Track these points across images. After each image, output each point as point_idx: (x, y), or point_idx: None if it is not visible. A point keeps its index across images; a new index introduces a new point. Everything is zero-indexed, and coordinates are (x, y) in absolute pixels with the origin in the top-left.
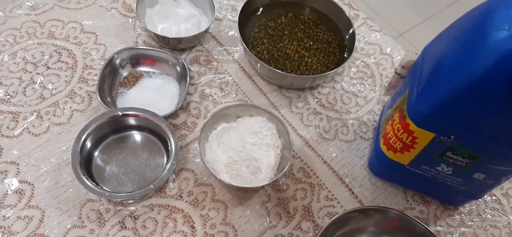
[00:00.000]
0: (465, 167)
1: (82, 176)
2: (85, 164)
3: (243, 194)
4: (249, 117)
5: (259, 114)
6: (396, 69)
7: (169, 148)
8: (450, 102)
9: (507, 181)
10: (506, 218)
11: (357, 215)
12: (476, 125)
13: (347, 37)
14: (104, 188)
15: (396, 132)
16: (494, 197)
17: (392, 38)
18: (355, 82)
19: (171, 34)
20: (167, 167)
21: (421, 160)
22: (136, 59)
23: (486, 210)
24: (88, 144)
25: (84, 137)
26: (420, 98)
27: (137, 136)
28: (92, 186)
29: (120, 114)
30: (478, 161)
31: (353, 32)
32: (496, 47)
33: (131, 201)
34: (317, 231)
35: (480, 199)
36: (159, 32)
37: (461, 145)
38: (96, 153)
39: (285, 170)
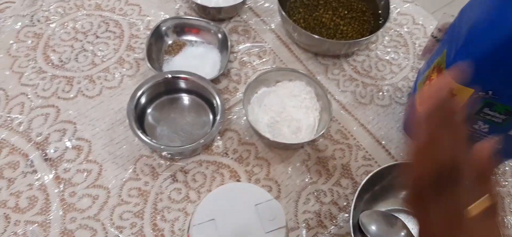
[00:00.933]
0: (502, 123)
1: (138, 131)
2: (139, 121)
3: (284, 153)
4: (288, 82)
5: (298, 79)
6: (432, 33)
7: (216, 108)
8: (488, 57)
9: None
10: None
11: (393, 171)
12: None
13: (381, 4)
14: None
15: None
16: None
17: (423, 9)
18: (389, 50)
19: (211, 5)
20: (216, 124)
21: None
22: (180, 28)
23: None
24: (141, 103)
25: (138, 96)
26: (459, 54)
27: (185, 97)
28: (147, 140)
29: (170, 76)
30: None
31: (387, 0)
32: None
33: (180, 158)
34: (356, 187)
35: None
36: (199, 2)
37: (499, 100)
38: (148, 111)
39: (324, 130)
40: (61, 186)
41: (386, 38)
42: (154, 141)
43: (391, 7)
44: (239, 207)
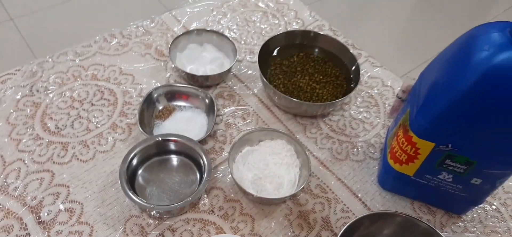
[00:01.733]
0: (463, 173)
1: (128, 191)
2: (130, 182)
3: (268, 208)
4: (270, 140)
5: (278, 138)
6: (397, 94)
7: (203, 167)
8: (445, 114)
9: (504, 192)
10: (505, 223)
11: (369, 220)
12: (469, 133)
13: (352, 69)
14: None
15: (401, 145)
16: (493, 206)
17: (392, 73)
18: (361, 110)
19: (199, 73)
20: (202, 182)
21: (424, 169)
22: (171, 94)
23: (487, 217)
24: (133, 164)
25: (130, 158)
26: (420, 113)
27: (174, 158)
28: (137, 199)
29: (160, 139)
30: (474, 166)
31: (358, 65)
32: (479, 64)
33: (168, 216)
34: None
35: (480, 209)
36: (188, 71)
37: (458, 152)
38: (139, 172)
39: (304, 184)
40: None
41: (359, 99)
42: (144, 200)
43: (362, 71)
44: None
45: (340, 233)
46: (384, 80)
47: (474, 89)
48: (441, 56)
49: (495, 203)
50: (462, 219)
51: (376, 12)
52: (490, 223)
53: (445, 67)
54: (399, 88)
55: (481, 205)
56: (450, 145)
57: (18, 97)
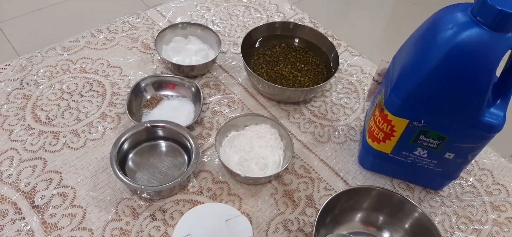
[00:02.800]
0: (437, 148)
1: (119, 173)
2: (121, 166)
3: (254, 188)
4: (255, 125)
5: (263, 122)
6: (373, 77)
7: (191, 151)
8: (415, 91)
9: (479, 168)
10: (480, 198)
11: (346, 196)
12: (438, 109)
13: (331, 57)
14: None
15: (378, 124)
16: (469, 182)
17: (370, 61)
18: (342, 96)
19: (185, 64)
20: (191, 163)
21: (401, 146)
22: (158, 84)
23: (463, 192)
24: (123, 149)
25: (120, 142)
26: (393, 92)
27: (163, 144)
28: (128, 181)
29: (149, 125)
30: (446, 141)
31: (336, 54)
32: (444, 43)
33: (159, 198)
34: None
35: (457, 185)
36: (174, 62)
37: (430, 128)
38: (130, 156)
39: (287, 164)
40: (48, 230)
41: (339, 86)
42: (135, 182)
43: (342, 60)
44: (212, 223)
45: (321, 208)
46: (363, 67)
47: (439, 67)
48: (411, 38)
49: (470, 179)
50: (439, 195)
51: (357, 8)
52: (466, 198)
53: (414, 48)
54: (375, 71)
55: (457, 181)
56: (422, 121)
57: (8, 90)
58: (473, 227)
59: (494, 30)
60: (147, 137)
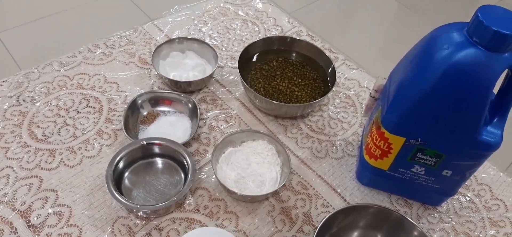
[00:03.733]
0: (434, 166)
1: (115, 193)
2: (116, 185)
3: (251, 205)
4: (252, 141)
5: (260, 138)
6: (370, 93)
7: (187, 168)
8: (412, 110)
9: (477, 183)
10: (479, 213)
11: (343, 214)
12: (435, 127)
13: (329, 72)
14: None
15: (375, 141)
16: (468, 198)
17: (367, 74)
18: (339, 110)
19: (182, 79)
20: (187, 182)
21: (398, 163)
22: (154, 100)
23: (462, 208)
24: (119, 168)
25: (116, 161)
26: (390, 110)
27: (159, 161)
28: (124, 200)
29: (145, 143)
30: (443, 159)
31: (333, 68)
32: (440, 62)
33: (155, 216)
34: None
35: (455, 200)
36: (171, 78)
37: (427, 146)
38: (126, 175)
39: (284, 181)
40: None
41: (337, 100)
42: (131, 201)
43: (339, 74)
44: None
45: (318, 226)
46: (361, 81)
47: (436, 86)
48: (407, 56)
49: (469, 195)
50: (437, 210)
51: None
52: (465, 214)
53: (410, 66)
54: (372, 87)
55: (455, 197)
56: (419, 139)
57: (5, 107)
58: None
59: (490, 51)
60: (143, 154)
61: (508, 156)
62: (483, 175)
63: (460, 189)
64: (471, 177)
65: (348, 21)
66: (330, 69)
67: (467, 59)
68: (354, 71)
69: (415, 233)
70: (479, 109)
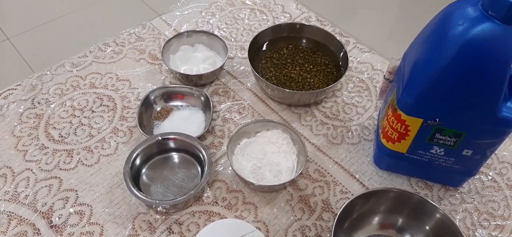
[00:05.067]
0: (454, 145)
1: (134, 189)
2: (135, 181)
3: (269, 195)
4: (266, 131)
5: (274, 128)
6: (384, 75)
7: (203, 162)
8: (428, 89)
9: (499, 162)
10: (502, 192)
11: (363, 199)
12: (453, 106)
13: (340, 56)
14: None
15: (392, 124)
16: (489, 176)
17: (380, 57)
18: (353, 95)
19: (193, 73)
20: (204, 175)
21: (416, 145)
22: (167, 95)
23: (484, 187)
24: (136, 164)
25: (133, 158)
26: (405, 91)
27: (175, 156)
28: (143, 197)
29: (160, 138)
30: (463, 138)
31: (345, 52)
32: (455, 39)
33: (174, 211)
34: None
35: (477, 180)
36: (182, 72)
37: (446, 125)
38: (143, 171)
39: (301, 169)
40: None
41: (350, 84)
42: (149, 197)
43: (352, 57)
44: None
45: (338, 213)
46: (373, 64)
47: (452, 63)
48: (421, 34)
49: (490, 173)
50: (459, 191)
51: (365, 1)
52: (487, 193)
53: (425, 45)
54: (386, 69)
55: (477, 176)
56: (437, 120)
57: (21, 110)
58: (495, 223)
59: (507, 24)
60: (159, 150)
61: None
62: (504, 153)
63: (481, 168)
64: (492, 156)
65: (357, 3)
66: (342, 53)
67: (483, 34)
68: (366, 54)
69: (438, 215)
70: (498, 85)
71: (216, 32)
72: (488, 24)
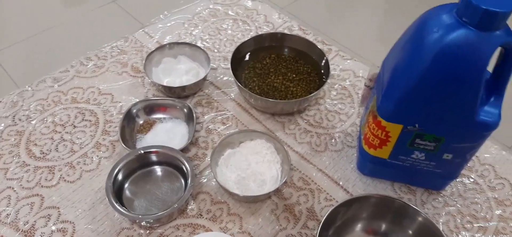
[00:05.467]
0: (434, 150)
1: (116, 204)
2: (117, 197)
3: (254, 206)
4: (250, 141)
5: (258, 137)
6: (365, 83)
7: (186, 174)
8: (407, 96)
9: (480, 164)
10: (484, 194)
11: (347, 205)
12: (431, 111)
13: (322, 64)
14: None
15: (372, 131)
16: (471, 179)
17: (362, 64)
18: (336, 102)
19: (175, 85)
20: (187, 188)
21: (398, 151)
22: (149, 108)
23: (466, 190)
24: (118, 179)
25: (115, 173)
26: (385, 97)
27: (158, 169)
28: (126, 212)
29: (142, 152)
30: (443, 142)
31: (327, 60)
32: (431, 46)
33: (158, 225)
34: None
35: (459, 183)
36: (165, 84)
37: (425, 131)
38: (126, 186)
39: (285, 178)
40: None
41: (333, 92)
42: (132, 212)
43: (334, 65)
44: None
45: (322, 221)
46: (355, 71)
47: (429, 70)
48: (398, 42)
49: (472, 176)
50: (441, 195)
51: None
52: (469, 196)
53: (402, 52)
54: (366, 76)
55: (459, 179)
56: (416, 125)
57: (1, 127)
58: (478, 225)
59: (481, 30)
60: (141, 164)
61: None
62: (485, 155)
63: (463, 171)
64: (474, 158)
65: (341, 11)
66: (323, 61)
67: (458, 40)
68: (348, 61)
69: (420, 219)
70: (474, 90)
71: (199, 44)
72: (462, 31)
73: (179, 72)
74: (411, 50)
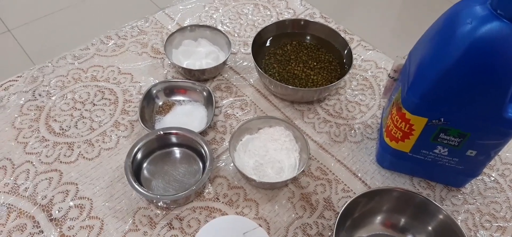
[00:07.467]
0: (458, 146)
1: (135, 183)
2: (136, 176)
3: (271, 192)
4: (269, 128)
5: (277, 124)
6: (389, 74)
7: (205, 157)
8: (434, 88)
9: (502, 163)
10: (504, 193)
11: (366, 198)
12: (459, 106)
13: (345, 54)
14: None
15: (396, 123)
16: (492, 178)
17: (384, 55)
18: (356, 93)
19: (195, 68)
20: (206, 171)
21: (420, 145)
22: (169, 90)
23: (486, 189)
24: (137, 159)
25: (134, 152)
26: (411, 90)
27: (177, 151)
28: (144, 191)
29: (162, 133)
30: (468, 138)
31: (350, 50)
32: (463, 38)
33: (175, 206)
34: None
35: (479, 181)
36: (185, 66)
37: (451, 126)
38: (144, 166)
39: (303, 167)
40: None
41: (354, 82)
42: (150, 192)
43: (355, 55)
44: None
45: (340, 212)
46: (377, 62)
47: (459, 63)
48: (427, 33)
49: (493, 175)
50: (461, 192)
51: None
52: (489, 194)
53: (431, 44)
54: (391, 67)
55: (479, 177)
56: (442, 119)
57: (21, 102)
58: (497, 224)
59: None
60: (160, 145)
61: None
62: (507, 154)
63: (484, 170)
64: (495, 157)
65: (361, 1)
66: (346, 51)
67: (492, 33)
68: (370, 52)
69: (440, 216)
70: (505, 86)
71: (219, 27)
72: (496, 23)
73: (199, 55)
74: (441, 41)
